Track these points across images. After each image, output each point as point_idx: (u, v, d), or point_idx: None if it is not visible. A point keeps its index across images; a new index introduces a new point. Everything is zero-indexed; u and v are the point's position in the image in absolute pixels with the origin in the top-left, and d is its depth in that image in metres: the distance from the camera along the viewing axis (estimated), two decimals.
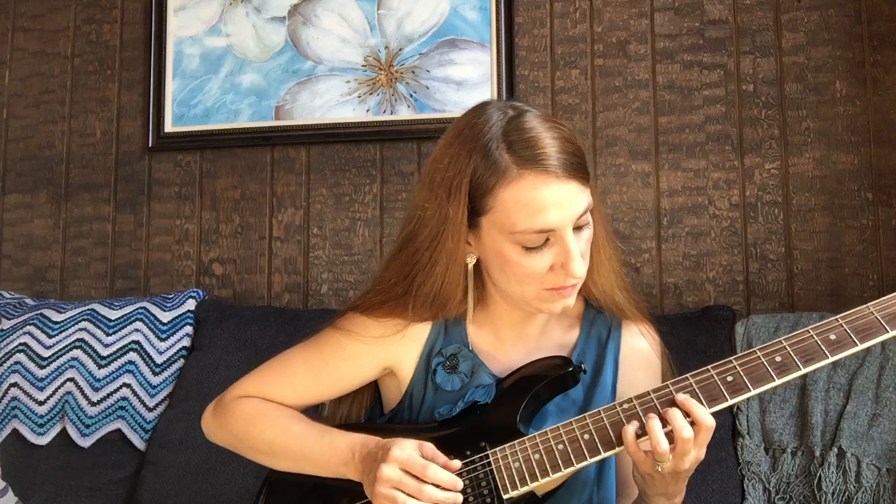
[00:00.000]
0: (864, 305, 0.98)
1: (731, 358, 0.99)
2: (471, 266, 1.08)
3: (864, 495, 1.46)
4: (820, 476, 1.49)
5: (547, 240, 1.01)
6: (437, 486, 0.96)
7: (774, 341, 0.99)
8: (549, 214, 0.99)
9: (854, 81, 1.88)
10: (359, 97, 2.11)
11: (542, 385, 1.05)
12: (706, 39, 1.97)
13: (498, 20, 2.04)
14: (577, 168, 1.02)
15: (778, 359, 0.97)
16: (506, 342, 1.15)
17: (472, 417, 1.06)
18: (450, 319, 1.13)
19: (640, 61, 1.99)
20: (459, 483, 0.98)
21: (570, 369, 1.05)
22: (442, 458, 0.99)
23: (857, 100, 1.88)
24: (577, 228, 1.02)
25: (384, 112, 2.10)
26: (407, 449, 0.97)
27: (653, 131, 1.97)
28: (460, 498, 0.97)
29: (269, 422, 1.12)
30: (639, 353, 1.17)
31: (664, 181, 1.95)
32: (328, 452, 1.05)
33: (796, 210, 1.88)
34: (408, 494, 0.94)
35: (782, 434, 1.56)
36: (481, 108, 1.07)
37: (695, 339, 1.67)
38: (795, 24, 1.92)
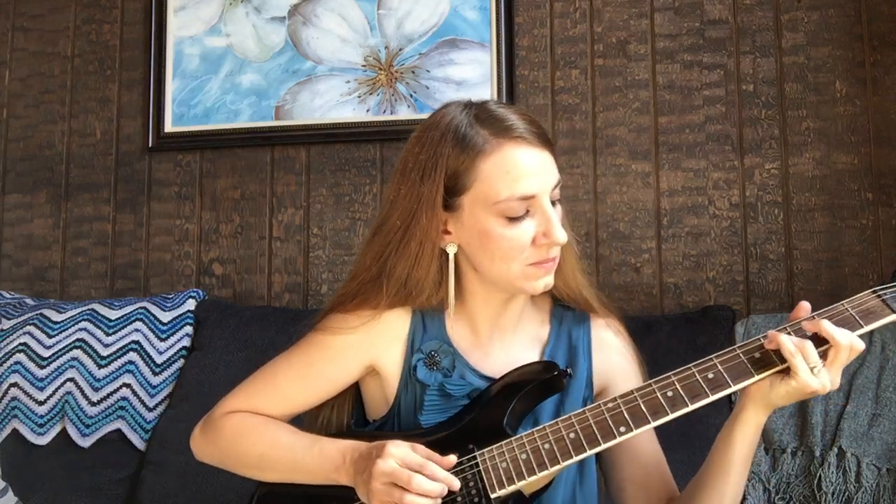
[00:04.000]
0: (839, 302, 1.01)
1: (712, 356, 1.01)
2: (451, 254, 1.10)
3: (864, 495, 1.46)
4: (820, 476, 1.50)
5: (527, 211, 1.05)
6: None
7: (753, 339, 1.01)
8: (530, 181, 1.05)
9: (854, 81, 1.88)
10: (359, 97, 2.11)
11: (527, 390, 1.07)
12: (706, 39, 1.97)
13: (498, 20, 2.04)
14: (546, 140, 1.09)
15: (757, 355, 1.00)
16: (482, 336, 1.16)
17: (460, 424, 1.07)
18: (427, 313, 1.15)
19: (640, 61, 1.99)
20: (456, 481, 0.98)
21: (556, 373, 1.07)
22: (437, 455, 1.00)
23: (857, 100, 1.88)
24: (552, 203, 1.07)
25: (384, 112, 2.10)
26: (402, 446, 0.99)
27: (653, 131, 1.97)
28: (446, 489, 0.97)
29: (257, 435, 1.12)
30: (609, 342, 1.20)
31: (664, 181, 1.95)
32: (319, 460, 1.06)
33: (796, 210, 1.88)
34: (400, 486, 0.95)
35: (782, 434, 1.56)
36: (443, 106, 1.14)
37: (695, 339, 1.67)
38: (795, 24, 1.92)
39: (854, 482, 1.48)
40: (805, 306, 1.03)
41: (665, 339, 1.68)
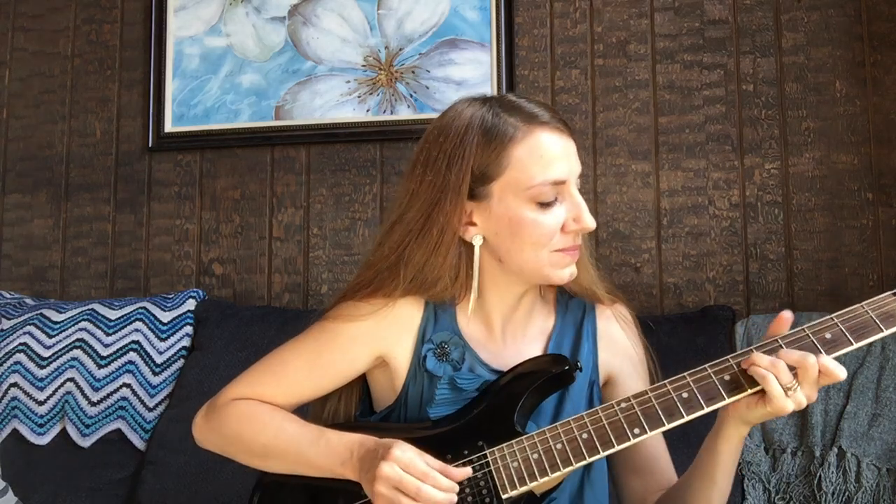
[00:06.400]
0: (859, 304, 0.99)
1: (728, 357, 1.00)
2: (477, 246, 1.10)
3: (864, 495, 1.46)
4: (820, 476, 1.49)
5: (556, 197, 1.07)
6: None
7: (770, 339, 0.99)
8: (561, 165, 1.07)
9: (854, 81, 1.88)
10: (359, 97, 2.11)
11: (537, 384, 1.06)
12: (706, 39, 1.96)
13: (498, 20, 2.04)
14: (570, 128, 1.13)
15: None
16: (495, 332, 1.16)
17: (469, 417, 1.06)
18: (439, 305, 1.14)
19: (640, 61, 1.99)
20: (456, 487, 0.97)
21: (567, 367, 1.06)
22: (451, 469, 0.99)
23: (857, 100, 1.88)
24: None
25: (384, 112, 2.10)
26: (409, 451, 0.98)
27: (653, 131, 1.97)
28: (455, 499, 0.97)
29: (262, 424, 1.11)
30: (614, 332, 1.20)
31: (664, 181, 1.95)
32: (325, 453, 1.05)
33: (796, 210, 1.88)
34: (407, 494, 0.94)
35: (782, 434, 1.56)
36: (459, 102, 1.14)
37: (695, 339, 1.67)
38: (795, 24, 1.92)
39: (854, 482, 1.48)
40: (785, 319, 1.01)
41: (665, 339, 1.67)
